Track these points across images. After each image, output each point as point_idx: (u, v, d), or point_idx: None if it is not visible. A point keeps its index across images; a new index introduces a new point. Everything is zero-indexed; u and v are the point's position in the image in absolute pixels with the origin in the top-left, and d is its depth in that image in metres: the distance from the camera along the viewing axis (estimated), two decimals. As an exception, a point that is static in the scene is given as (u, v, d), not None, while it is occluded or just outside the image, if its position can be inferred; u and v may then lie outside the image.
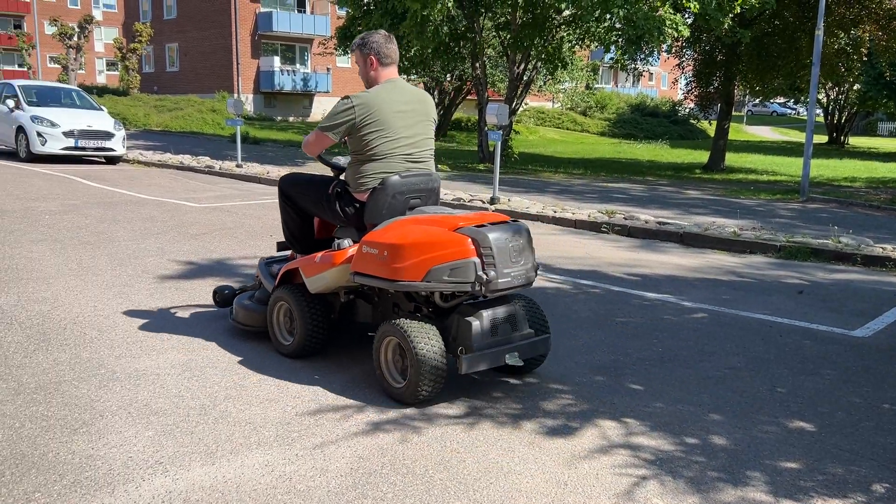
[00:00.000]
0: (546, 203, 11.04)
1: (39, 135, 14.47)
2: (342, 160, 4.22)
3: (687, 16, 18.72)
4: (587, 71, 34.67)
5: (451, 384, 3.91)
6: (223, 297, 4.75)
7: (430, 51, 19.25)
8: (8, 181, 11.65)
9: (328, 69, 40.39)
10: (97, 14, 53.41)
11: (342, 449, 3.14)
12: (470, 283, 3.49)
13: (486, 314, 3.64)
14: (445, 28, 17.41)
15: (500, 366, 3.73)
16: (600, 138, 40.91)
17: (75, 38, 36.68)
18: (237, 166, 14.54)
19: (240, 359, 4.18)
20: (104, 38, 62.62)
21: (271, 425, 3.34)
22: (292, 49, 39.89)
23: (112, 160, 15.60)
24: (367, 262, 3.69)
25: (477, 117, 23.53)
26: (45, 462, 2.93)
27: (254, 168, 14.48)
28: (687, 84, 24.46)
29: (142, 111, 30.93)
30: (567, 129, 43.42)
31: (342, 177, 4.10)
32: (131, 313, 4.95)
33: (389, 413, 3.53)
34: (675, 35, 15.80)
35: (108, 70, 66.68)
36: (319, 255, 4.03)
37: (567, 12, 17.81)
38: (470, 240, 3.51)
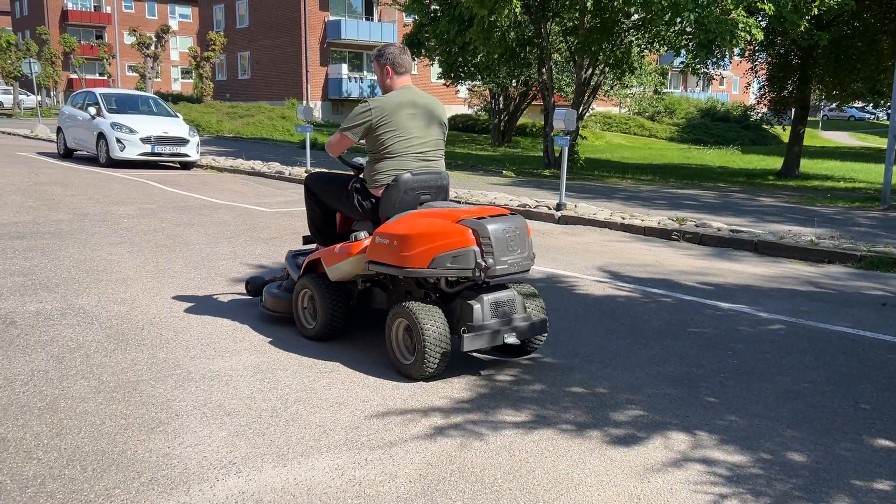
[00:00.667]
0: (614, 209, 10.88)
1: (118, 141, 15.00)
2: (360, 160, 4.56)
3: (760, 18, 18.22)
4: (656, 75, 34.14)
5: (515, 389, 3.88)
6: (254, 287, 5.18)
7: (496, 56, 19.23)
8: (89, 185, 12.11)
9: (394, 76, 40.84)
10: (173, 24, 55.25)
11: (410, 454, 3.14)
12: (470, 269, 3.86)
13: (487, 298, 4.01)
14: (512, 34, 17.36)
15: (498, 345, 4.10)
16: (669, 144, 40.19)
17: (152, 48, 38.00)
18: (306, 172, 14.79)
19: (309, 362, 4.23)
20: (179, 47, 64.66)
21: (340, 429, 3.36)
22: (359, 56, 40.43)
23: (186, 165, 16.06)
24: (380, 252, 4.07)
25: (542, 122, 23.39)
26: (124, 459, 3.01)
27: (322, 173, 14.70)
28: (760, 88, 23.81)
29: (214, 118, 31.81)
30: (634, 134, 42.78)
31: (361, 175, 4.50)
32: (205, 315, 5.07)
33: (455, 418, 3.52)
34: (749, 38, 15.39)
35: (182, 78, 68.83)
36: (339, 246, 4.42)
37: (636, 16, 17.56)
38: (470, 230, 3.87)
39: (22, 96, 48.39)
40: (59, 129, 17.66)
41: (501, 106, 32.27)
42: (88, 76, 61.15)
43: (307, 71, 37.95)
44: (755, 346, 4.82)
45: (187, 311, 5.16)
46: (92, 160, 16.29)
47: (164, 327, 4.77)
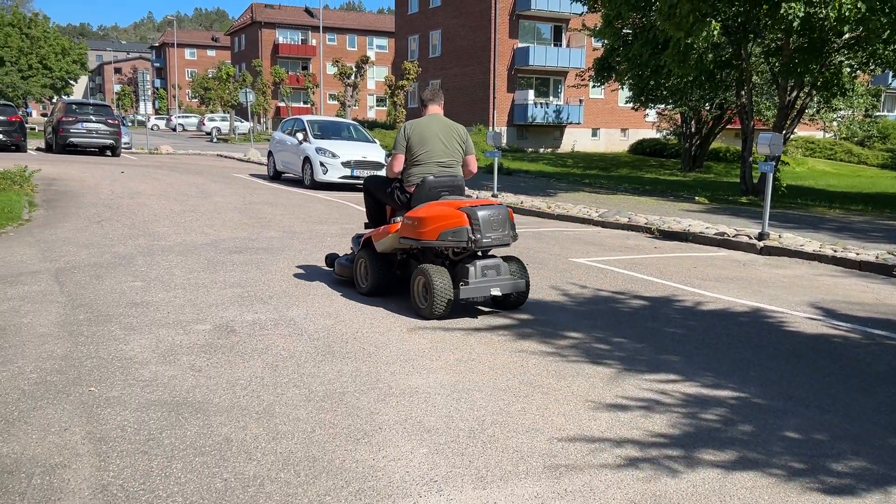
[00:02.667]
0: (823, 241, 10.06)
1: (322, 164, 16.00)
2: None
3: None
4: (868, 97, 31.40)
5: (719, 428, 3.64)
6: (330, 260, 7.01)
7: (690, 79, 18.54)
8: (295, 205, 13.00)
9: (580, 101, 40.56)
10: (371, 55, 58.42)
11: (612, 490, 3.02)
12: (464, 241, 5.61)
13: (479, 263, 5.75)
14: (710, 55, 16.66)
15: (488, 298, 5.84)
16: (881, 171, 36.72)
17: (352, 78, 40.39)
18: (493, 195, 14.96)
19: (503, 384, 4.22)
20: (375, 76, 68.32)
21: (538, 455, 3.31)
22: (546, 82, 40.62)
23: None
24: (407, 230, 5.85)
25: (740, 147, 22.20)
26: (333, 467, 3.14)
27: (508, 198, 14.83)
28: None
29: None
30: (840, 160, 39.53)
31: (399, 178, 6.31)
32: (403, 332, 5.23)
33: (652, 451, 3.36)
34: None
35: (377, 105, 72.59)
36: (382, 227, 6.24)
37: (848, 35, 16.26)
38: (465, 214, 5.62)
39: (237, 123, 53.04)
40: (269, 154, 19.16)
41: (693, 130, 31.06)
42: (294, 104, 66.10)
43: (494, 97, 38.66)
44: None
45: (387, 327, 5.34)
46: (297, 182, 17.50)
47: (366, 342, 4.97)
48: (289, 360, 4.53)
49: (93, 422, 3.51)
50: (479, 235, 5.60)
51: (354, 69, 40.85)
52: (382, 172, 16.10)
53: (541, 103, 39.41)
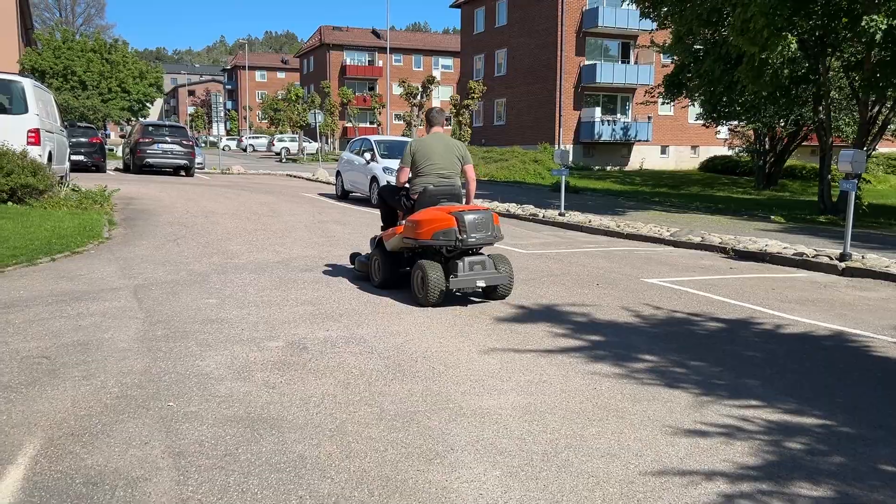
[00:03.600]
0: (909, 262, 9.63)
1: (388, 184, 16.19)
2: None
3: None
4: (956, 111, 30.06)
5: (809, 459, 3.49)
6: (352, 258, 8.17)
7: (764, 95, 18.11)
8: (363, 224, 13.16)
9: (649, 118, 40.04)
10: (437, 74, 58.91)
11: (693, 519, 2.93)
12: (453, 240, 6.82)
13: (467, 259, 6.93)
14: (785, 71, 16.27)
15: (476, 290, 7.10)
16: (970, 189, 35.04)
17: (418, 97, 40.82)
18: (560, 214, 14.88)
19: (577, 407, 4.15)
20: (440, 96, 68.80)
21: (615, 482, 3.24)
22: (613, 99, 40.25)
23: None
24: (408, 230, 7.08)
25: (816, 165, 21.52)
26: (406, 488, 3.14)
27: (576, 216, 14.71)
28: None
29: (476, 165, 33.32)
30: (926, 178, 37.87)
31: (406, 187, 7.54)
32: (472, 352, 5.21)
33: (742, 486, 3.24)
34: None
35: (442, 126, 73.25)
36: (391, 229, 7.52)
37: (936, 46, 15.64)
38: (455, 217, 6.83)
39: (305, 143, 54.19)
40: (337, 173, 19.48)
41: (767, 146, 30.27)
42: (361, 125, 67.08)
43: (560, 115, 38.49)
44: None
45: (456, 346, 5.34)
46: (364, 201, 17.72)
47: (436, 361, 4.97)
48: (360, 378, 4.57)
49: (172, 436, 3.60)
50: (465, 235, 6.89)
51: (420, 89, 41.29)
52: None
53: (608, 120, 39.04)
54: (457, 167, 7.50)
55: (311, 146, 52.35)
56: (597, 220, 14.01)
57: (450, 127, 39.93)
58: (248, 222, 12.61)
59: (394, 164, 16.55)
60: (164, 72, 78.88)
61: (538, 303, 6.95)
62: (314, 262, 8.89)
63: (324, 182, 24.93)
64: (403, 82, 41.64)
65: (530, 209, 16.04)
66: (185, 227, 11.71)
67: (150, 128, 25.64)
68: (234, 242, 10.26)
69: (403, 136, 41.18)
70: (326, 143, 62.62)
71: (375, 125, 63.32)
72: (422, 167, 7.36)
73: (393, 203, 7.75)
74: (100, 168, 25.37)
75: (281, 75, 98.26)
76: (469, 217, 6.89)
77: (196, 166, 27.31)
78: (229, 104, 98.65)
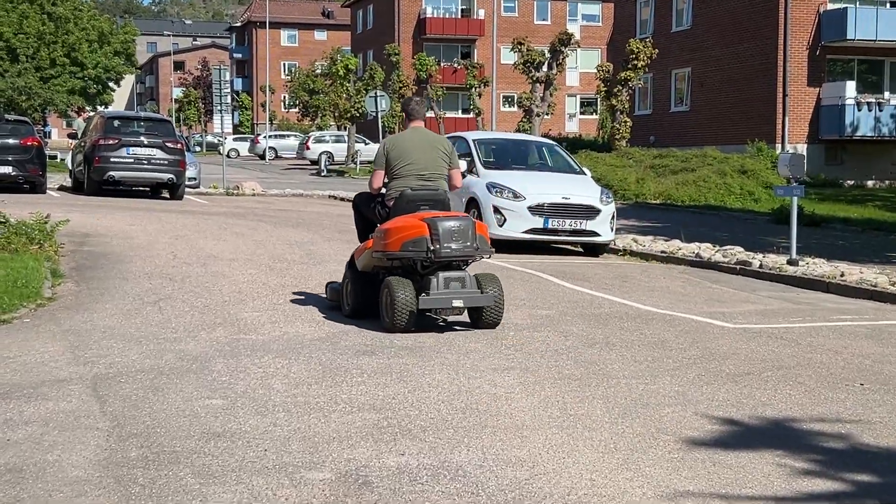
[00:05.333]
0: None
1: (497, 211, 16.26)
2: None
3: None
4: None
5: None
6: (328, 286, 10.62)
7: None
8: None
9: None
10: (573, 30, 57.71)
11: None
12: (424, 251, 8.80)
13: (442, 275, 8.93)
14: None
15: (455, 314, 9.35)
16: None
17: (543, 68, 41.16)
18: (789, 263, 14.60)
19: None
20: (580, 64, 68.91)
21: None
22: (878, 67, 39.41)
23: (594, 249, 16.92)
24: (376, 243, 9.15)
25: None
26: None
27: (817, 266, 14.43)
28: None
29: (632, 174, 33.20)
30: None
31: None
32: (650, 497, 5.12)
33: None
34: None
35: (581, 113, 73.39)
36: (362, 244, 9.73)
37: None
38: (427, 224, 8.82)
39: (359, 144, 55.11)
40: (412, 193, 19.76)
41: None
42: (449, 114, 68.08)
43: (785, 94, 37.94)
44: None
45: (618, 487, 5.26)
46: (456, 239, 17.87)
47: (587, 512, 4.92)
48: (460, 537, 4.56)
49: None
50: (438, 246, 8.77)
51: (547, 55, 41.65)
52: (593, 224, 16.17)
53: (869, 103, 38.17)
54: (442, 168, 9.81)
55: (368, 148, 53.22)
56: (855, 273, 13.72)
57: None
58: (272, 273, 12.93)
59: (505, 178, 16.73)
60: (137, 32, 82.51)
61: (758, 415, 6.84)
62: (379, 338, 9.00)
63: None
64: (520, 44, 42.09)
65: (737, 253, 15.85)
66: (170, 280, 12.07)
67: (116, 122, 26.71)
68: (249, 306, 10.50)
69: (520, 130, 41.48)
70: (392, 144, 63.91)
71: (473, 114, 63.91)
72: (398, 168, 9.62)
73: (367, 212, 10.08)
74: (36, 185, 26.49)
75: (321, 35, 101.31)
76: (444, 224, 8.92)
77: (187, 183, 28.13)
78: (239, 83, 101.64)
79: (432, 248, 8.74)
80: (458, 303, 8.85)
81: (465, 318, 9.70)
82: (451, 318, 9.63)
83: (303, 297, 11.16)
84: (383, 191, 9.89)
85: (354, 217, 10.52)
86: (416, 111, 10.02)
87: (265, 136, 71.94)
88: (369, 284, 9.42)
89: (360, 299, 9.47)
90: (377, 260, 9.17)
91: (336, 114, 55.17)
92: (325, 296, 10.53)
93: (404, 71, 62.18)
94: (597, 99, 41.43)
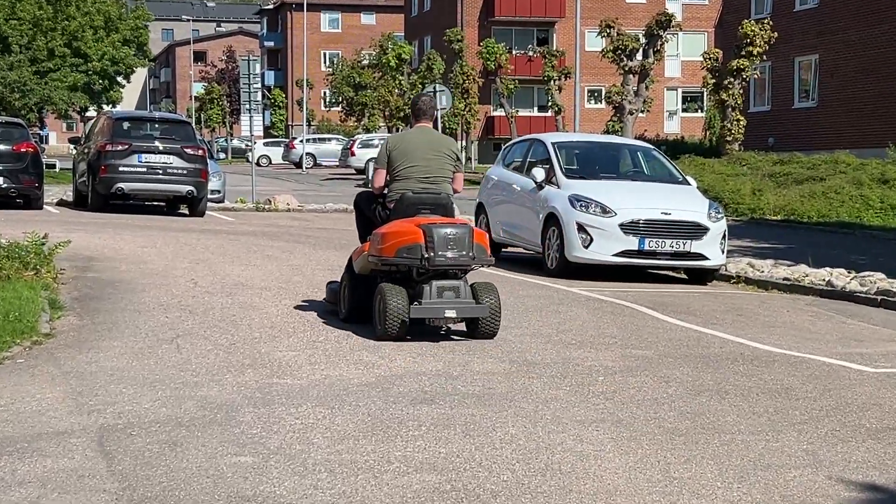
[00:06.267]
0: None
1: (582, 229, 16.15)
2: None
3: None
4: None
5: None
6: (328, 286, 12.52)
7: None
8: (530, 309, 13.30)
9: None
10: (674, 9, 56.74)
11: None
12: (418, 259, 10.23)
13: (436, 283, 10.34)
14: None
15: (448, 324, 10.91)
16: None
17: (638, 55, 40.99)
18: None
19: None
20: (682, 50, 68.55)
21: None
22: None
23: (700, 276, 16.83)
24: (372, 246, 10.62)
25: None
26: None
27: None
28: None
29: (747, 184, 32.84)
30: None
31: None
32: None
33: None
34: None
35: (683, 110, 72.95)
36: (360, 246, 11.14)
37: None
38: (422, 231, 10.20)
39: (414, 150, 55.30)
40: (478, 207, 19.86)
41: None
42: (522, 111, 68.03)
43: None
44: None
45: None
46: (531, 262, 17.91)
47: None
48: None
49: None
50: (432, 253, 10.10)
51: (643, 40, 41.51)
52: (699, 245, 16.02)
53: None
54: (446, 171, 11.28)
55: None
56: None
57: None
58: (309, 306, 12.96)
59: (591, 189, 16.73)
60: (150, 17, 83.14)
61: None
62: (440, 383, 8.98)
63: (451, 226, 25.21)
64: (609, 27, 42.00)
65: (877, 281, 15.70)
66: (190, 312, 12.15)
67: (126, 124, 26.97)
68: (283, 343, 10.54)
69: (609, 131, 41.28)
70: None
71: (551, 112, 63.76)
72: (400, 169, 11.04)
73: (368, 213, 11.62)
74: (32, 200, 26.79)
75: (368, 19, 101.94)
76: (440, 231, 10.26)
77: (209, 196, 28.37)
78: (271, 77, 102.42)
79: (426, 255, 10.13)
80: (450, 313, 10.34)
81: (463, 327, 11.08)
82: (453, 326, 11.05)
83: (348, 335, 11.14)
84: (386, 191, 11.27)
85: (355, 217, 12.17)
86: (424, 109, 11.49)
87: (302, 140, 71.92)
88: (366, 288, 10.89)
89: (356, 303, 11.05)
90: (373, 264, 10.60)
91: (386, 113, 55.46)
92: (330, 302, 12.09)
93: (468, 61, 62.25)
94: (703, 93, 40.95)
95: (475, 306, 10.39)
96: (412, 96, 51.53)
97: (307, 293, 13.84)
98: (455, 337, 11.10)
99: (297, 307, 12.76)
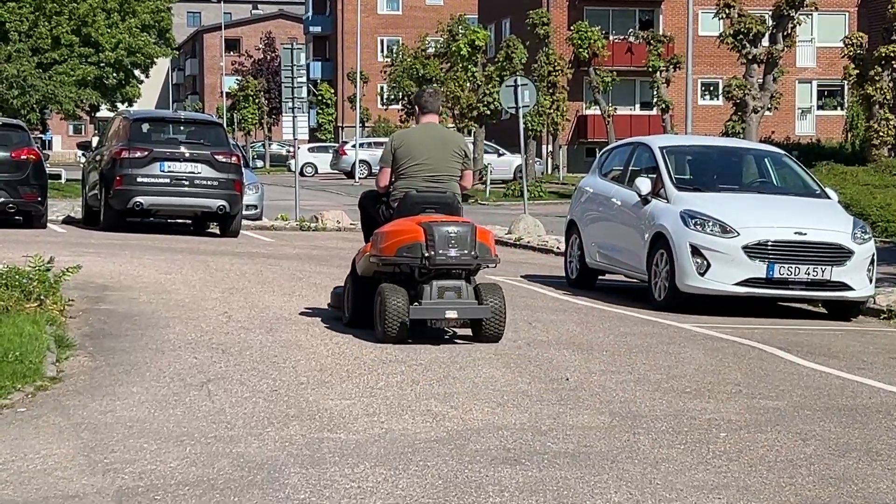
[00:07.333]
0: None
1: (697, 252, 16.12)
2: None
3: None
4: None
5: None
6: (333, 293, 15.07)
7: None
8: (633, 350, 13.25)
9: None
10: None
11: None
12: (418, 258, 12.25)
13: (436, 283, 12.43)
14: None
15: (451, 325, 12.97)
16: None
17: (764, 42, 40.83)
18: None
19: None
20: (818, 36, 68.01)
21: None
22: None
23: (843, 309, 16.82)
24: (374, 245, 12.82)
25: None
26: None
27: None
28: None
29: (892, 196, 32.63)
30: None
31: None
32: None
33: None
34: None
35: (819, 108, 72.41)
36: (363, 247, 13.37)
37: None
38: (423, 229, 12.22)
39: (489, 156, 55.12)
40: (569, 226, 19.91)
41: None
42: (621, 109, 67.81)
43: None
44: None
45: None
46: (635, 294, 17.89)
47: None
48: None
49: None
50: (432, 252, 11.63)
51: (770, 23, 41.39)
52: (844, 272, 15.94)
53: None
54: (454, 169, 13.07)
55: (505, 161, 53.28)
56: None
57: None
58: (365, 344, 12.92)
59: (707, 204, 16.69)
60: (174, 0, 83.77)
61: None
62: (524, 440, 8.97)
63: (536, 248, 25.21)
64: (728, 7, 41.92)
65: None
66: (223, 352, 12.23)
67: (145, 126, 27.23)
68: (335, 390, 10.58)
69: (729, 133, 41.08)
70: (543, 155, 64.00)
71: (658, 110, 63.55)
72: (405, 167, 12.89)
73: (372, 212, 13.42)
74: (34, 216, 27.11)
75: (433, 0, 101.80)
76: (441, 230, 11.92)
77: (244, 212, 28.55)
78: (317, 69, 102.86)
79: (427, 254, 11.88)
80: (451, 314, 12.03)
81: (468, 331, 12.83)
82: (459, 330, 12.93)
83: (413, 380, 11.15)
84: (391, 190, 13.16)
85: (360, 217, 14.16)
86: (429, 104, 13.30)
87: (354, 145, 72.28)
88: (369, 291, 12.64)
89: (359, 306, 12.84)
90: (374, 265, 12.41)
91: (457, 111, 55.45)
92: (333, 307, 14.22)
93: (556, 48, 62.28)
94: (843, 86, 40.61)
95: (477, 307, 11.97)
96: (487, 92, 52.17)
97: (361, 330, 13.88)
98: (540, 384, 11.10)
99: (350, 346, 12.82)
